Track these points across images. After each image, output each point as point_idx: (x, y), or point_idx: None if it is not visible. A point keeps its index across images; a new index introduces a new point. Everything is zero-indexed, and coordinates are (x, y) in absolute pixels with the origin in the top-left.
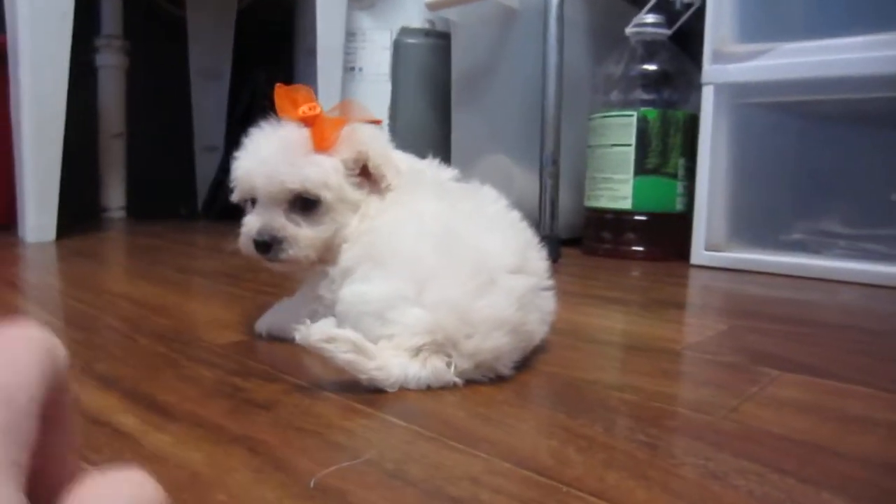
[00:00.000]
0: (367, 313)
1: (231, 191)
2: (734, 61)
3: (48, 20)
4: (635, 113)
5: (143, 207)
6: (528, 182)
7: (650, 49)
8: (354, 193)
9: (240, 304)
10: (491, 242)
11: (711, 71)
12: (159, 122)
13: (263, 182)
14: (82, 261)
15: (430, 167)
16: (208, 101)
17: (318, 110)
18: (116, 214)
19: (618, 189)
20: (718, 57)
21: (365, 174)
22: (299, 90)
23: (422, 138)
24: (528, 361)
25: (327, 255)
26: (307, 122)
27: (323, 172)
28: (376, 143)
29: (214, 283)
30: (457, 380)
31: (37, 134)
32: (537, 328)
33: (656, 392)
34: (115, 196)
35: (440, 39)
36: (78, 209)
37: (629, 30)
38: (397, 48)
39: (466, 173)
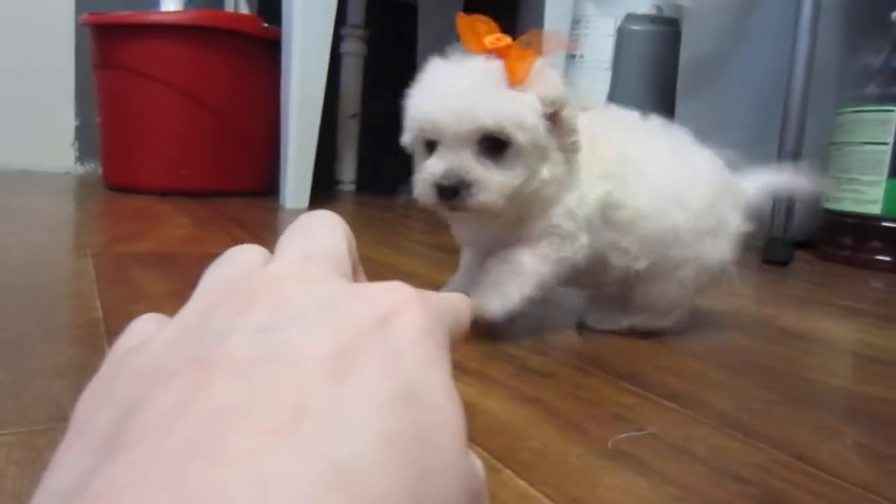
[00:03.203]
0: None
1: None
2: None
3: (316, 14)
4: (895, 109)
5: (370, 182)
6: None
7: None
8: (546, 139)
9: None
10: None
11: None
12: (389, 104)
13: (451, 119)
14: None
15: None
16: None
17: (507, 40)
18: (348, 188)
19: (865, 192)
20: None
21: (553, 121)
22: (481, 20)
23: None
24: (784, 365)
25: (515, 207)
26: (498, 53)
27: (520, 109)
28: (568, 89)
29: (450, 255)
30: None
31: (300, 114)
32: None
33: None
34: (347, 171)
35: (667, 26)
36: (318, 181)
37: None
38: (621, 35)
39: None
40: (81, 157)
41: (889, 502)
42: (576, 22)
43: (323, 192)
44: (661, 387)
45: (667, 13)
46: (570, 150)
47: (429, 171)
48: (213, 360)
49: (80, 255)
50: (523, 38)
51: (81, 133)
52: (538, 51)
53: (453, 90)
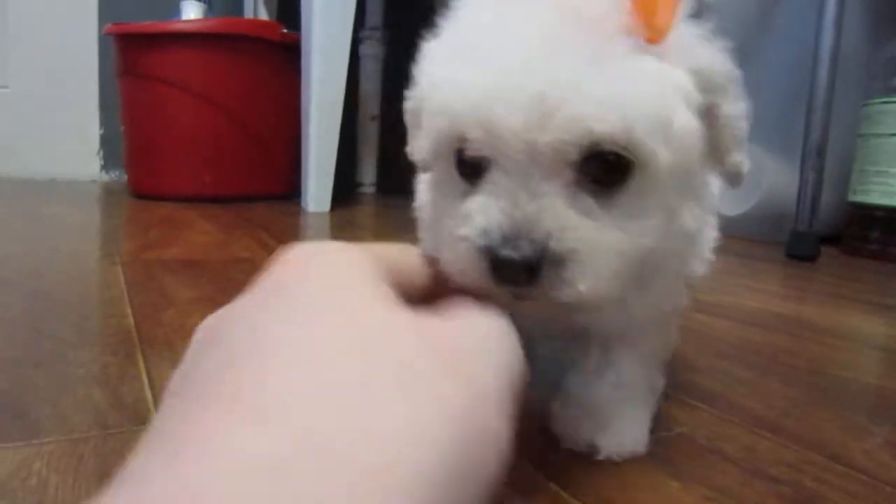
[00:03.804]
0: None
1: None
2: None
3: (334, 18)
4: None
5: (389, 184)
6: (784, 174)
7: None
8: (701, 156)
9: None
10: None
11: None
12: None
13: (524, 119)
14: (356, 230)
15: None
16: None
17: None
18: (368, 190)
19: (894, 184)
20: None
21: (710, 121)
22: None
23: None
24: (810, 363)
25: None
26: None
27: (665, 99)
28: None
29: None
30: None
31: (320, 118)
32: None
33: None
34: (367, 173)
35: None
36: (339, 183)
37: None
38: None
39: None
40: (107, 166)
41: None
42: None
43: (344, 195)
44: (689, 387)
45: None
46: (731, 174)
47: (477, 222)
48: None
49: (110, 262)
50: None
51: (106, 142)
52: None
53: (524, 56)
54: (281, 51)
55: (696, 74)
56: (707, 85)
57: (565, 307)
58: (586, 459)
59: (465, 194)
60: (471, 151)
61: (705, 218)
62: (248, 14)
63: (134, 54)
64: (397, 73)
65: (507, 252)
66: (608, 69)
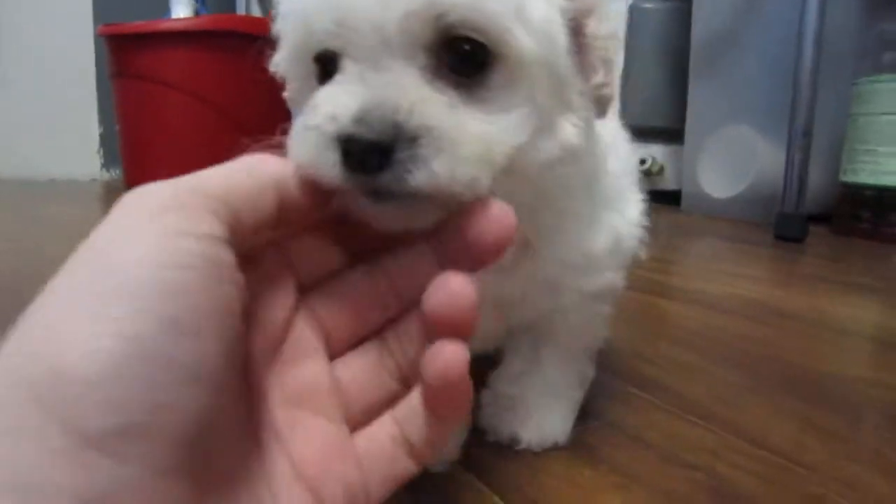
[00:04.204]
0: None
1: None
2: None
3: None
4: None
5: None
6: (773, 155)
7: None
8: (567, 63)
9: None
10: None
11: None
12: None
13: (367, 2)
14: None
15: None
16: None
17: None
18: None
19: (883, 163)
20: None
21: (578, 38)
22: None
23: (654, 108)
24: (766, 349)
25: (518, 206)
26: None
27: None
28: None
29: None
30: None
31: None
32: None
33: None
34: None
35: (679, 3)
36: None
37: None
38: (633, 13)
39: (702, 145)
40: (107, 164)
41: (838, 482)
42: None
43: None
44: (630, 375)
45: None
46: (599, 101)
47: (324, 108)
48: None
49: None
50: None
51: (106, 140)
52: None
53: None
54: (272, 46)
55: None
56: (585, 7)
57: (423, 202)
58: (509, 452)
59: (319, 88)
60: (323, 44)
61: (612, 163)
62: (241, 9)
63: (125, 55)
64: None
65: (356, 129)
66: None
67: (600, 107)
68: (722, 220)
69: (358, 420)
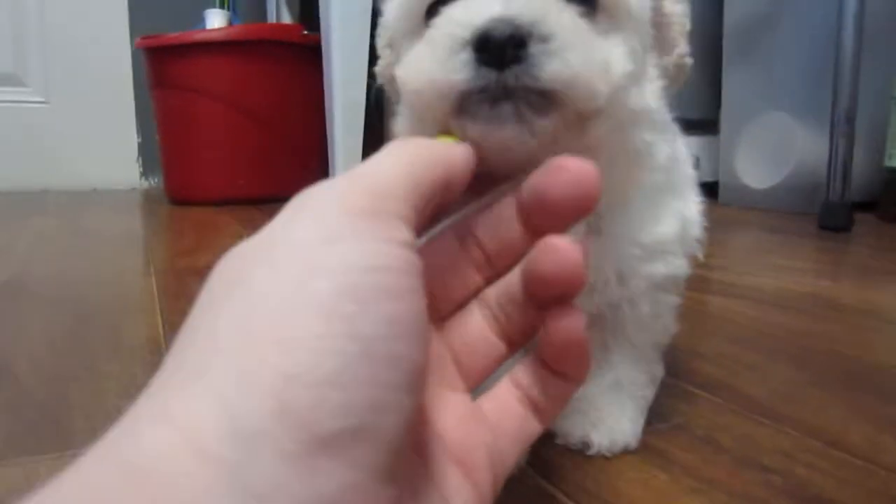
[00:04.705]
0: None
1: None
2: None
3: (352, 17)
4: None
5: None
6: (813, 143)
7: None
8: (652, 42)
9: None
10: None
11: None
12: None
13: None
14: None
15: None
16: None
17: None
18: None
19: None
20: None
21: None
22: None
23: (688, 96)
24: (825, 344)
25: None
26: None
27: None
28: None
29: None
30: None
31: (344, 117)
32: None
33: None
34: None
35: None
36: None
37: None
38: None
39: (739, 135)
40: (146, 173)
41: None
42: None
43: None
44: (692, 375)
45: None
46: (679, 71)
47: (458, 16)
48: None
49: (145, 272)
50: None
51: (145, 149)
52: None
53: None
54: (304, 52)
55: None
56: None
57: (543, 107)
58: (579, 454)
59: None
60: None
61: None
62: (272, 17)
63: (163, 66)
64: None
65: (495, 24)
66: None
67: (680, 77)
68: (763, 211)
69: (475, 384)
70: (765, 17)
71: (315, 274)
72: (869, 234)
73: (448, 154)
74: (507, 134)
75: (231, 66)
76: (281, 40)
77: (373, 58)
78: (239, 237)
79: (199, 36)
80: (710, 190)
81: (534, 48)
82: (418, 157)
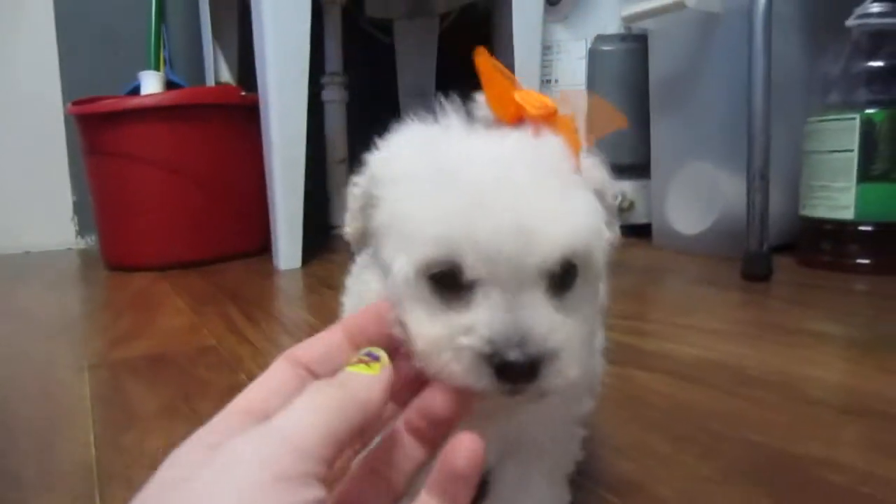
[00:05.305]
0: None
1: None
2: None
3: (288, 76)
4: (858, 115)
5: None
6: (736, 191)
7: (876, 42)
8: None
9: None
10: None
11: None
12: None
13: (514, 248)
14: (327, 292)
15: None
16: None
17: (554, 106)
18: (342, 231)
19: (837, 198)
20: None
21: None
22: (505, 70)
23: (621, 144)
24: (734, 428)
25: None
26: (547, 123)
27: (596, 215)
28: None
29: None
30: None
31: (284, 175)
32: None
33: (868, 474)
34: (340, 215)
35: (637, 43)
36: (313, 227)
37: (851, 21)
38: (593, 56)
39: (668, 181)
40: (81, 231)
41: None
42: (547, 48)
43: (318, 239)
44: (608, 474)
45: (635, 31)
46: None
47: (479, 332)
48: None
49: (76, 368)
50: (561, 102)
51: (79, 208)
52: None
53: (506, 196)
54: (243, 112)
55: (597, 191)
56: (601, 194)
57: (544, 394)
58: None
59: (443, 303)
60: (467, 274)
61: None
62: (209, 73)
63: (96, 134)
64: (361, 115)
65: (514, 356)
66: (568, 199)
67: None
68: (691, 257)
69: None
70: (684, 73)
71: None
72: (787, 282)
73: (366, 400)
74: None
75: (167, 131)
76: (219, 103)
77: (317, 105)
78: (178, 314)
79: (133, 102)
80: (645, 231)
81: (544, 370)
82: (338, 411)
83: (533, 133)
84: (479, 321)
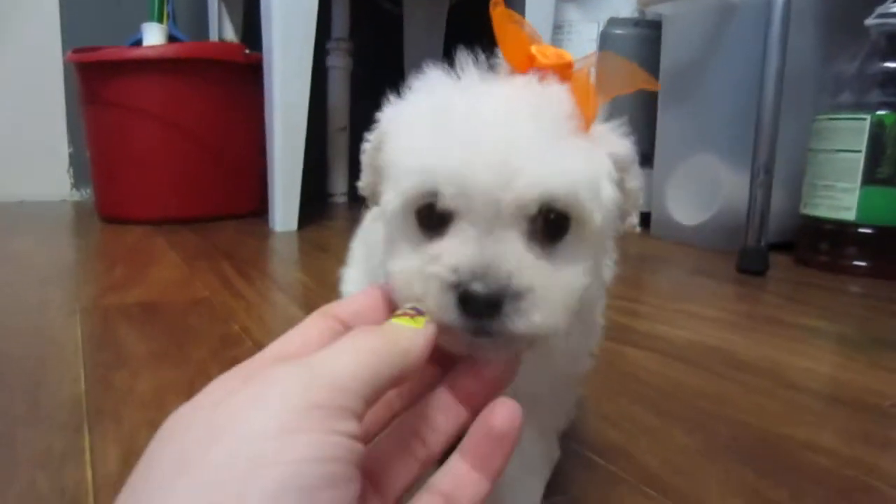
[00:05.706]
0: None
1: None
2: None
3: (295, 36)
4: (869, 116)
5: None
6: (738, 185)
7: (894, 43)
8: (616, 220)
9: None
10: None
11: None
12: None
13: (493, 180)
14: (322, 255)
15: None
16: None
17: (569, 57)
18: (340, 199)
19: (840, 198)
20: None
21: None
22: (522, 20)
23: (626, 130)
24: (721, 407)
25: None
26: (559, 75)
27: (598, 172)
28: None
29: None
30: None
31: (284, 139)
32: None
33: (852, 458)
34: (339, 183)
35: (650, 29)
36: (310, 194)
37: (870, 20)
38: (604, 39)
39: (671, 172)
40: (77, 184)
41: None
42: (558, 27)
43: (315, 206)
44: (594, 439)
45: (649, 17)
46: (628, 231)
47: (445, 260)
48: None
49: (69, 311)
50: (581, 59)
51: (76, 160)
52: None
53: (493, 133)
54: (246, 71)
55: (613, 157)
56: (619, 165)
57: (518, 340)
58: None
59: (426, 238)
60: (441, 205)
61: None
62: (213, 29)
63: (96, 83)
64: (365, 83)
65: (475, 286)
66: (560, 148)
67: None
68: (689, 248)
69: None
70: (696, 63)
71: (267, 464)
72: (783, 279)
73: (408, 349)
74: (482, 354)
75: (168, 84)
76: (222, 59)
77: (320, 71)
78: (171, 267)
79: (134, 53)
80: (644, 220)
81: (507, 307)
82: (378, 355)
83: (539, 80)
84: (446, 250)
